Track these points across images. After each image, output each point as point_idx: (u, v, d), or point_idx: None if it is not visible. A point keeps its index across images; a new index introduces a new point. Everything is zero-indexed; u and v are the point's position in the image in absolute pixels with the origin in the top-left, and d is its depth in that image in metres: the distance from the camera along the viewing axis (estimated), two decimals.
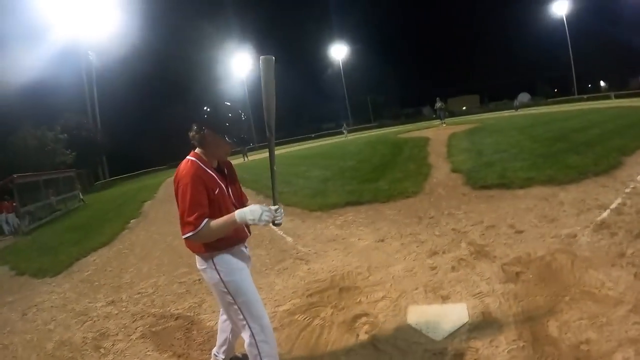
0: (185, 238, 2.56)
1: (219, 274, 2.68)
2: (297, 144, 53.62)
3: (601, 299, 3.73)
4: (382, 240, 6.43)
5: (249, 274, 2.87)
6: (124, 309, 5.40)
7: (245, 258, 2.91)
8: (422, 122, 54.96)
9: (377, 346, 3.51)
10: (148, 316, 4.99)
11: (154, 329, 4.58)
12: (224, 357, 3.29)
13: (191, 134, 2.67)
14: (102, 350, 4.31)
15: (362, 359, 3.38)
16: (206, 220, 2.50)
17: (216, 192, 2.64)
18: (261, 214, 2.47)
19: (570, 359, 2.96)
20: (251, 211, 2.49)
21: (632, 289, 3.83)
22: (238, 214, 2.50)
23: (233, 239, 2.75)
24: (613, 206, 6.41)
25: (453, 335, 3.51)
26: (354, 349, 3.54)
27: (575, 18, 70.21)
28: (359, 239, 6.71)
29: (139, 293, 5.93)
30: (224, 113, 2.67)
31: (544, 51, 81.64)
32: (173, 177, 2.70)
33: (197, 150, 2.71)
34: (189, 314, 4.83)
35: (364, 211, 8.49)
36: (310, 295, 4.73)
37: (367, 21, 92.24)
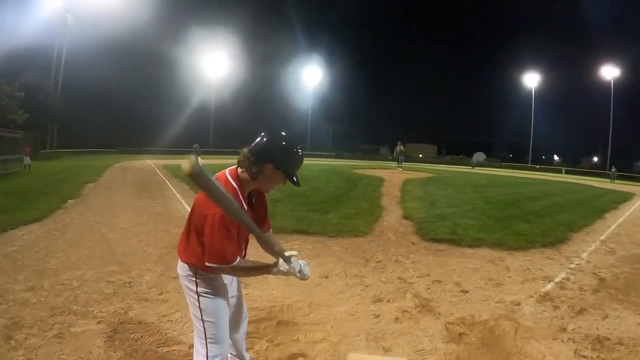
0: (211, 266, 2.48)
1: (196, 286, 2.61)
2: None
3: None
4: (327, 277, 6.34)
5: (227, 296, 2.79)
6: (43, 298, 4.93)
7: (228, 278, 2.84)
8: (379, 162, 56.18)
9: None
10: (69, 313, 4.55)
11: (72, 330, 4.16)
12: None
13: (246, 162, 2.51)
14: (12, 343, 3.82)
15: None
16: (236, 261, 2.48)
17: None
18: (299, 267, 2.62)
19: None
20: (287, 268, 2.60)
21: None
22: (276, 268, 2.62)
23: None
24: (557, 279, 6.69)
25: None
26: None
27: (542, 91, 75.03)
28: None
29: (62, 284, 5.45)
30: (294, 151, 2.64)
31: (507, 117, 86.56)
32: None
33: (240, 172, 2.58)
34: (113, 320, 4.44)
35: (311, 242, 8.41)
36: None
37: (342, 51, 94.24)
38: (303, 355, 3.95)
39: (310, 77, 79.92)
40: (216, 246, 2.38)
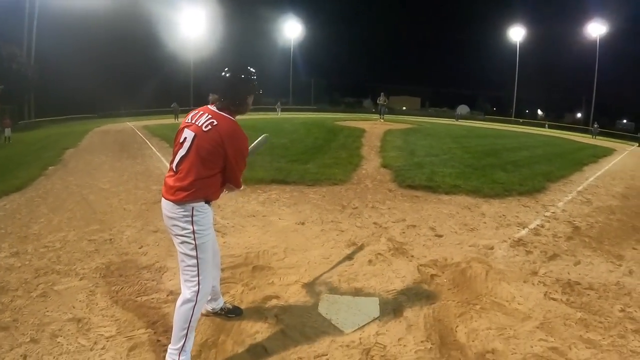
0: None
1: (193, 225, 2.75)
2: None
3: (510, 312, 3.84)
4: (303, 224, 6.33)
5: (214, 233, 3.07)
6: (27, 262, 4.85)
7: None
8: (361, 114, 55.71)
9: (284, 331, 3.39)
10: (52, 273, 4.51)
11: (56, 288, 4.13)
12: (211, 308, 3.51)
13: (227, 105, 2.91)
14: None
15: (268, 342, 3.23)
16: None
17: None
18: None
19: None
20: None
21: (540, 306, 3.99)
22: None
23: (215, 197, 2.96)
24: (532, 226, 6.75)
25: (362, 329, 3.46)
26: (261, 331, 3.39)
27: (527, 45, 74.36)
28: (279, 219, 6.57)
29: (45, 246, 5.36)
30: (254, 74, 3.04)
31: (491, 70, 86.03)
32: (205, 131, 2.76)
33: (226, 111, 2.91)
34: (94, 275, 4.44)
35: (289, 191, 8.36)
36: (222, 270, 4.49)
37: (322, 2, 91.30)
38: (277, 297, 3.99)
39: (290, 31, 77.29)
40: (238, 174, 2.93)
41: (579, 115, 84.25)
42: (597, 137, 44.33)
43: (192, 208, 2.74)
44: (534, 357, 3.14)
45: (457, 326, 3.53)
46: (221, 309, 3.54)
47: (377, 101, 31.84)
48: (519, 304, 4.01)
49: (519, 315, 3.77)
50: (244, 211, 6.91)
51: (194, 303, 2.75)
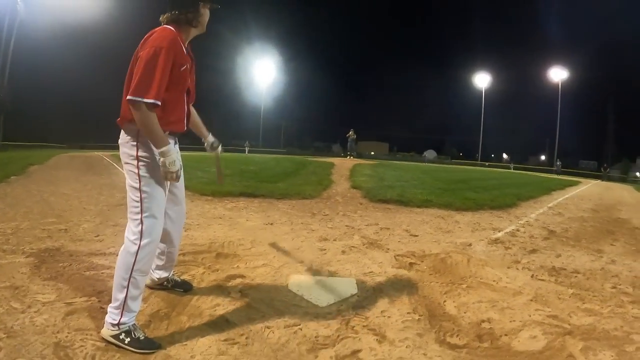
0: (133, 100, 2.26)
1: (137, 149, 2.43)
2: (204, 152, 51.54)
3: (499, 289, 3.53)
4: (271, 224, 5.91)
5: None
6: None
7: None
8: (331, 157, 56.01)
9: (250, 304, 2.94)
10: None
11: None
12: (157, 277, 3.06)
13: (177, 16, 2.52)
14: None
15: (231, 315, 2.76)
16: (152, 103, 2.28)
17: (182, 69, 2.46)
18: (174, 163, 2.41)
19: (471, 335, 2.62)
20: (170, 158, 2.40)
21: (530, 285, 3.70)
22: (168, 147, 2.37)
23: (170, 125, 2.53)
24: (507, 230, 6.55)
25: (339, 303, 3.05)
26: (222, 304, 2.92)
27: (492, 91, 77.29)
28: (247, 220, 6.12)
29: None
30: None
31: (458, 115, 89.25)
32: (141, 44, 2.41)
33: (173, 24, 2.50)
34: (42, 254, 3.94)
35: (257, 202, 7.92)
36: (183, 254, 4.02)
37: (295, 50, 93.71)
38: (241, 276, 3.54)
39: (262, 75, 78.19)
40: (146, 77, 2.26)
41: (542, 157, 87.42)
42: (560, 175, 45.35)
43: (138, 131, 2.40)
44: (534, 323, 2.82)
45: (444, 301, 3.18)
46: (168, 280, 3.09)
47: (347, 135, 31.73)
48: (507, 283, 3.71)
49: (509, 292, 3.46)
50: (210, 215, 6.42)
51: (136, 247, 2.35)
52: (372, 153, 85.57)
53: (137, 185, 2.42)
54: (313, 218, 6.56)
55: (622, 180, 52.16)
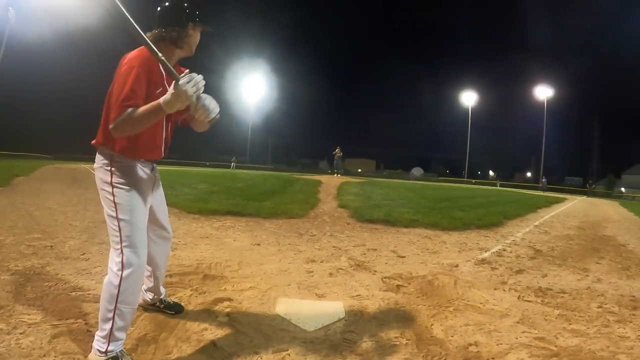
0: (116, 121, 2.17)
1: (111, 176, 2.37)
2: (190, 167, 51.55)
3: (486, 311, 3.53)
4: (259, 244, 5.88)
5: (146, 196, 2.54)
6: None
7: (149, 178, 2.58)
8: (318, 174, 56.17)
9: (238, 329, 2.91)
10: None
11: None
12: (149, 297, 3.05)
13: (162, 35, 2.41)
14: None
15: (219, 339, 2.74)
16: (132, 108, 2.15)
17: (158, 91, 2.33)
18: (187, 88, 2.08)
19: (459, 359, 2.61)
20: (174, 89, 2.09)
21: (517, 306, 3.72)
22: (163, 99, 2.12)
23: (146, 153, 2.48)
24: (494, 250, 6.59)
25: (327, 327, 3.02)
26: (210, 328, 2.89)
27: (479, 109, 78.29)
28: (234, 240, 6.08)
29: None
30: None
31: (444, 133, 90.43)
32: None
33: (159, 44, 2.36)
34: (28, 272, 3.89)
35: (244, 221, 7.88)
36: (170, 276, 3.98)
37: (282, 66, 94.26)
38: (229, 299, 3.50)
39: (251, 90, 78.42)
40: (123, 93, 2.16)
41: (528, 174, 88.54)
42: (546, 192, 45.72)
43: (112, 156, 2.37)
44: (521, 346, 2.82)
45: (432, 324, 3.17)
46: (160, 300, 3.08)
47: (333, 153, 31.82)
48: (493, 305, 3.71)
49: (496, 314, 3.47)
50: (197, 234, 6.38)
51: (119, 278, 2.29)
52: (359, 170, 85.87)
53: (113, 214, 2.36)
54: (300, 238, 6.54)
55: (607, 195, 52.96)
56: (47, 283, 3.61)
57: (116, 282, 2.28)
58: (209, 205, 9.15)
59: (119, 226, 2.34)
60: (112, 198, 2.35)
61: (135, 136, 2.33)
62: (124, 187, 2.38)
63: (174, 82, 2.08)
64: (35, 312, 2.94)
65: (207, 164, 64.60)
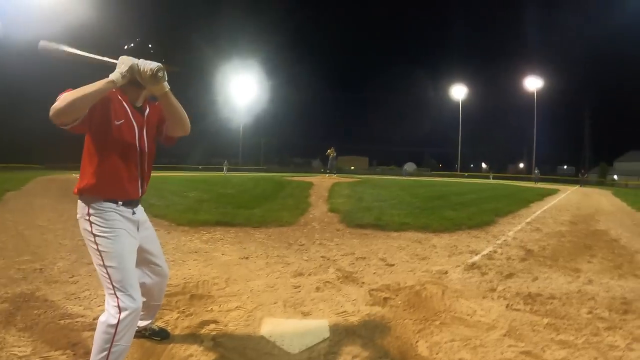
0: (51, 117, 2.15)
1: (91, 226, 2.39)
2: (183, 172, 51.31)
3: (473, 324, 3.52)
4: (247, 258, 5.85)
5: (130, 240, 2.53)
6: None
7: (130, 221, 2.56)
8: (311, 174, 56.24)
9: (223, 355, 2.91)
10: None
11: None
12: (141, 326, 3.02)
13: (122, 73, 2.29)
14: None
15: None
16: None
17: (119, 122, 2.40)
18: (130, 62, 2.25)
19: None
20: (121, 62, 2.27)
21: (504, 317, 3.71)
22: (113, 73, 2.24)
23: (116, 193, 2.47)
24: (484, 252, 6.59)
25: (311, 349, 3.01)
26: (195, 354, 2.90)
27: (470, 102, 78.44)
28: (222, 254, 6.04)
29: None
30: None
31: (436, 128, 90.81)
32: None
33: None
34: (18, 299, 3.94)
35: (234, 232, 7.85)
36: None
37: (274, 65, 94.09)
38: (215, 322, 3.51)
39: (242, 91, 78.04)
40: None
41: (521, 165, 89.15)
42: (538, 183, 46.00)
43: (88, 207, 2.40)
44: None
45: (417, 341, 3.15)
46: (145, 328, 3.07)
47: (326, 154, 31.72)
48: (481, 316, 3.70)
49: (483, 327, 3.46)
50: (186, 248, 6.36)
51: (116, 320, 2.29)
52: (352, 168, 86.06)
53: (100, 262, 2.37)
54: (289, 249, 6.50)
55: (600, 184, 53.30)
56: (36, 311, 3.64)
57: (113, 323, 2.29)
58: (198, 216, 9.09)
59: (108, 273, 2.36)
60: (96, 247, 2.38)
61: (100, 170, 2.36)
62: (106, 235, 2.39)
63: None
64: (25, 343, 2.99)
65: (200, 167, 64.44)
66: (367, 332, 3.31)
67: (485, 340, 3.17)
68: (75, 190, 2.44)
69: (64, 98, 2.11)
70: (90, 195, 2.40)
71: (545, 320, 3.63)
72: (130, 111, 2.46)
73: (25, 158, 50.11)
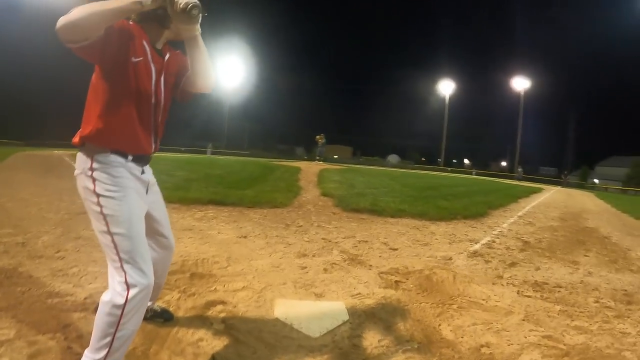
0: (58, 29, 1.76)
1: (94, 183, 2.00)
2: (166, 153, 50.13)
3: (491, 309, 3.54)
4: (245, 237, 5.73)
5: (140, 203, 2.19)
6: None
7: (140, 181, 2.23)
8: (295, 160, 56.07)
9: (237, 338, 2.73)
10: None
11: None
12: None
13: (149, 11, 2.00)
14: None
15: (217, 351, 2.56)
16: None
17: (137, 59, 2.05)
18: None
19: None
20: None
21: (519, 302, 3.75)
22: None
23: (127, 143, 2.11)
24: (483, 241, 6.67)
25: (332, 333, 2.91)
26: (206, 338, 2.70)
27: (456, 98, 78.79)
28: (218, 233, 5.90)
29: None
30: None
31: (421, 121, 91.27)
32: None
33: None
34: None
35: (227, 211, 7.71)
36: None
37: (260, 51, 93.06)
38: (222, 302, 3.32)
39: (228, 76, 77.00)
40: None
41: (504, 163, 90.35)
42: (521, 182, 46.48)
43: (92, 158, 2.03)
44: (531, 346, 2.84)
45: (439, 324, 3.14)
46: (147, 310, 2.54)
47: (316, 139, 31.65)
48: (496, 301, 3.73)
49: (501, 311, 3.48)
50: (179, 225, 6.16)
51: (123, 300, 1.93)
52: (336, 157, 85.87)
53: (104, 228, 2.00)
54: (287, 230, 6.46)
55: (581, 186, 54.23)
56: (20, 288, 3.32)
57: (119, 303, 1.94)
58: (189, 193, 8.91)
59: (113, 242, 2.00)
60: (99, 209, 2.00)
61: (110, 114, 2.02)
62: (112, 195, 2.02)
63: None
64: (9, 325, 2.64)
65: (183, 149, 63.66)
66: (387, 315, 3.27)
67: (506, 324, 3.19)
68: (77, 139, 2.05)
69: (80, 10, 1.75)
70: (96, 144, 2.03)
71: (558, 307, 3.68)
72: (150, 52, 2.13)
73: (4, 134, 48.81)
